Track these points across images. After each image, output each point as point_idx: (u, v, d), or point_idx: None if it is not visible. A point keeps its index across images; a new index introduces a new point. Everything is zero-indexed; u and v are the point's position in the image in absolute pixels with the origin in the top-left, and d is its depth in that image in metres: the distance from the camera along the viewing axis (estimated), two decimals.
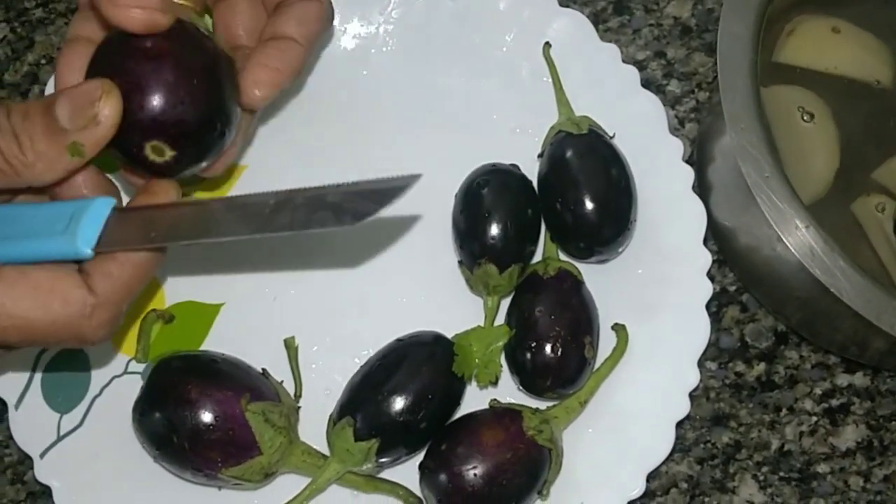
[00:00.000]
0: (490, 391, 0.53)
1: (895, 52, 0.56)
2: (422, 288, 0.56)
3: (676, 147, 0.56)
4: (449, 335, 0.53)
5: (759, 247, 0.53)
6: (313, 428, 0.52)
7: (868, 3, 0.57)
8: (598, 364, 0.54)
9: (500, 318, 0.55)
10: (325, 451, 0.52)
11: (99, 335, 0.42)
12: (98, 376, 0.55)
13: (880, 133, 0.56)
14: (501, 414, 0.51)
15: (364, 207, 0.37)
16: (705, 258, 0.55)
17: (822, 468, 0.57)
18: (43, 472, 0.52)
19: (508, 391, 0.54)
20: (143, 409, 0.50)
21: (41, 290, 0.40)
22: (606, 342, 0.54)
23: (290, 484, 0.52)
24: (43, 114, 0.40)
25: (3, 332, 0.40)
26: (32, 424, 0.53)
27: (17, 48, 0.63)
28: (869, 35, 0.56)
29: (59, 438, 0.53)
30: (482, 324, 0.54)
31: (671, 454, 0.53)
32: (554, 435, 0.51)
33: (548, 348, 0.52)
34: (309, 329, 0.55)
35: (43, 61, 0.63)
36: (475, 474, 0.49)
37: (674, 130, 0.59)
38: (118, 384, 0.55)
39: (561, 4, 0.59)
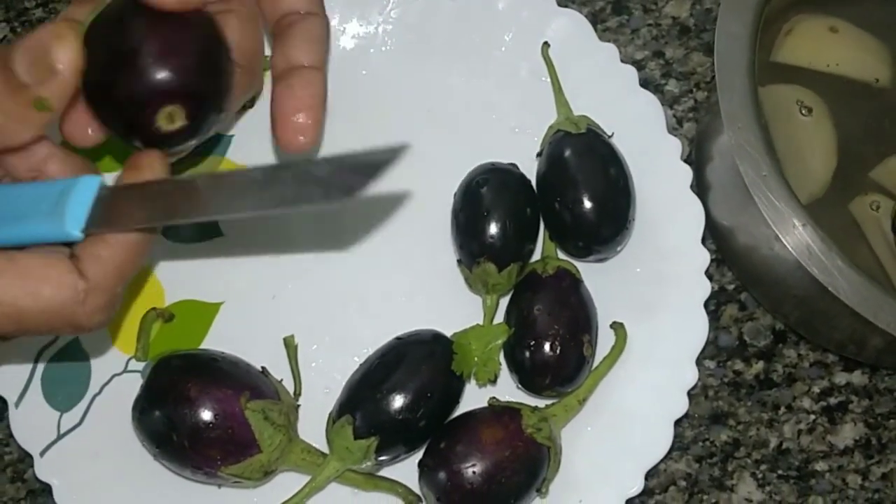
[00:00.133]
0: (489, 389, 0.54)
1: (893, 52, 0.56)
2: (421, 286, 0.56)
3: (675, 146, 0.56)
4: (448, 334, 0.53)
5: (757, 246, 0.53)
6: (313, 426, 0.52)
7: (866, 3, 0.58)
8: (596, 362, 0.54)
9: (499, 317, 0.55)
10: (325, 450, 0.52)
11: (94, 321, 0.40)
12: (98, 375, 0.55)
13: (878, 132, 0.56)
14: (500, 412, 0.51)
15: (353, 182, 0.36)
16: (703, 257, 0.55)
17: (820, 466, 0.57)
18: (43, 470, 0.53)
19: (507, 389, 0.54)
20: (143, 408, 0.50)
21: (31, 276, 0.38)
22: (605, 341, 0.54)
23: (289, 482, 0.52)
24: (1, 70, 0.39)
25: None
26: (32, 422, 0.53)
27: None
28: (867, 34, 0.56)
29: (60, 436, 0.53)
30: (481, 322, 0.54)
31: (670, 452, 0.53)
32: (553, 433, 0.51)
33: (546, 347, 0.52)
34: (308, 328, 0.55)
35: None
36: (474, 472, 0.49)
37: (672, 130, 0.59)
38: (118, 382, 0.55)
39: (559, 4, 0.59)
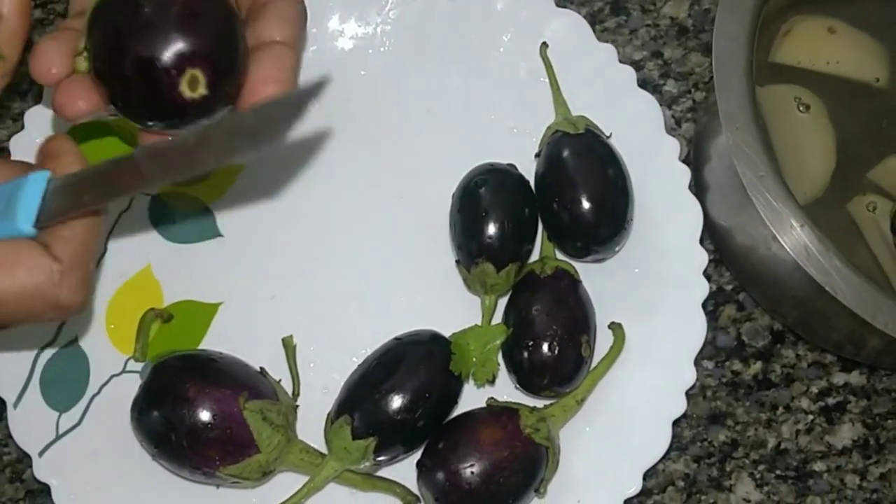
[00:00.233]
0: (487, 390, 0.54)
1: (891, 52, 0.56)
2: (419, 287, 0.56)
3: (673, 147, 0.56)
4: (446, 334, 0.53)
5: (755, 246, 0.53)
6: (311, 426, 0.52)
7: (864, 3, 0.58)
8: (595, 363, 0.54)
9: (498, 317, 0.55)
10: (323, 450, 0.52)
11: (75, 299, 0.41)
12: (97, 375, 0.55)
13: (876, 133, 0.56)
14: (499, 412, 0.51)
15: (279, 125, 0.37)
16: (702, 257, 0.55)
17: (818, 466, 0.57)
18: (42, 470, 0.53)
19: (506, 390, 0.54)
20: (142, 408, 0.50)
21: (4, 261, 0.39)
22: (603, 341, 0.54)
23: (287, 482, 0.52)
24: None
25: None
26: (31, 423, 0.53)
27: None
28: (865, 35, 0.56)
29: (58, 437, 0.53)
30: (479, 323, 0.54)
31: (668, 452, 0.53)
32: (551, 433, 0.51)
33: (545, 347, 0.52)
34: (307, 328, 0.55)
35: None
36: (472, 472, 0.49)
37: (670, 130, 0.59)
38: (117, 383, 0.55)
39: (558, 5, 0.59)
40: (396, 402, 0.50)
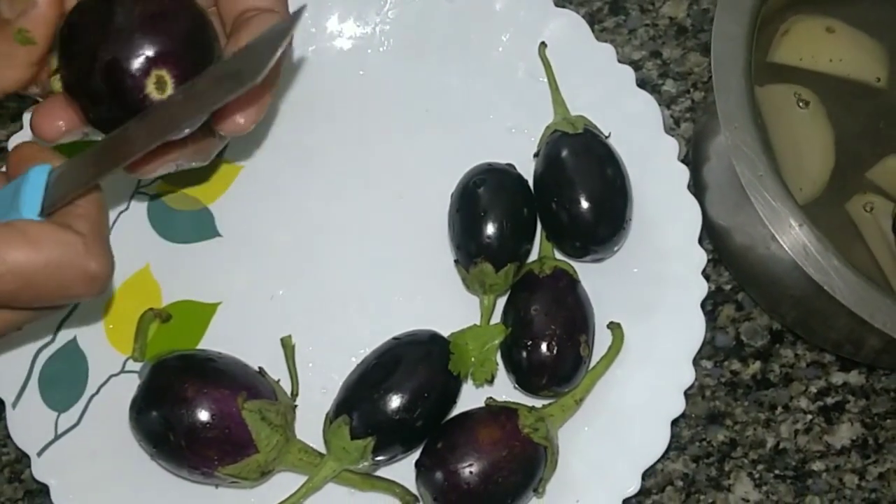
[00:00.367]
0: (486, 389, 0.54)
1: (890, 52, 0.56)
2: (418, 287, 0.56)
3: (672, 146, 0.56)
4: (445, 334, 0.53)
5: (754, 246, 0.53)
6: (310, 426, 0.52)
7: (862, 3, 0.58)
8: (593, 362, 0.54)
9: (497, 317, 0.55)
10: (322, 450, 0.52)
11: (104, 268, 0.41)
12: (95, 375, 0.55)
13: (875, 133, 0.56)
14: (497, 412, 0.51)
15: (260, 61, 0.37)
16: (700, 257, 0.55)
17: (817, 466, 0.57)
18: (40, 470, 0.53)
19: (504, 390, 0.54)
20: (141, 408, 0.50)
21: (30, 235, 0.39)
22: (602, 341, 0.54)
23: (286, 482, 0.52)
24: None
25: (2, 282, 0.39)
26: (30, 423, 0.53)
27: None
28: (863, 35, 0.56)
29: (57, 437, 0.53)
30: (478, 322, 0.54)
31: (667, 452, 0.53)
32: (550, 433, 0.51)
33: (543, 347, 0.52)
34: (306, 328, 0.55)
35: None
36: (471, 472, 0.49)
37: (669, 130, 0.59)
38: (115, 383, 0.55)
39: (557, 5, 0.59)
40: (395, 401, 0.50)
